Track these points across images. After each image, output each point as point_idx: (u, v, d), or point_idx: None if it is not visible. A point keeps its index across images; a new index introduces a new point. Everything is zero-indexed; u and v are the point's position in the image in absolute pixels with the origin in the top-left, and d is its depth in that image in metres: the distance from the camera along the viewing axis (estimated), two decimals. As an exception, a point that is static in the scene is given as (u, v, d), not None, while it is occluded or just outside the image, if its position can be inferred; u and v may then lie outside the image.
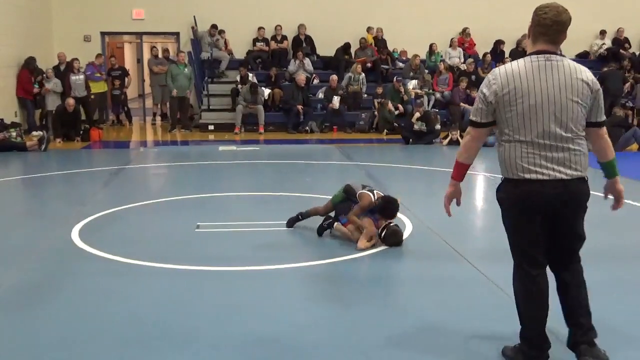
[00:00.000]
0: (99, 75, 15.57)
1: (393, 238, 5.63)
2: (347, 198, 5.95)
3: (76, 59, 15.01)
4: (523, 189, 3.22)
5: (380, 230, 5.65)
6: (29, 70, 14.36)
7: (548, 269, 3.39)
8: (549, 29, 3.17)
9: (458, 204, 3.59)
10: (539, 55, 3.19)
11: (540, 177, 3.16)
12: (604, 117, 3.31)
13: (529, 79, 3.15)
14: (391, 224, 5.70)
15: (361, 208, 5.73)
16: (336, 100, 14.84)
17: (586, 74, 3.20)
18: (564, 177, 3.17)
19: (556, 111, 3.14)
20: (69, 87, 14.67)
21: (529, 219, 3.25)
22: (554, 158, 3.16)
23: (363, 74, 15.80)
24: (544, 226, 3.28)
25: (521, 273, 3.35)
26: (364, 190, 5.85)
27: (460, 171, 3.50)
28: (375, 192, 5.86)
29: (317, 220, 6.15)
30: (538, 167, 3.17)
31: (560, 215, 3.26)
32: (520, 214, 3.27)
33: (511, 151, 3.24)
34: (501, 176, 3.40)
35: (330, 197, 6.18)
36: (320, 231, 5.99)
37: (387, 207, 5.69)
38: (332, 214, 6.09)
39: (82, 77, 14.91)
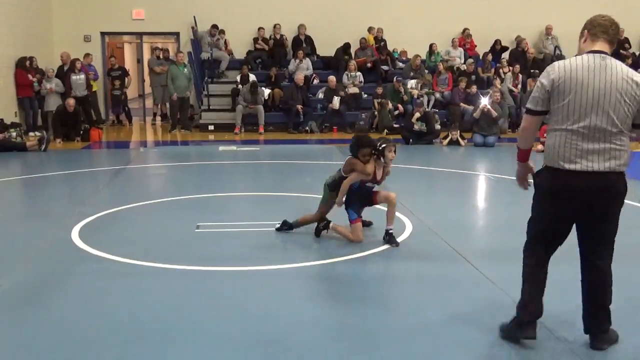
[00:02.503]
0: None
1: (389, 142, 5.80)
2: (334, 187, 5.86)
3: (78, 59, 15.08)
4: (560, 179, 3.42)
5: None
6: (23, 70, 14.35)
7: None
8: (609, 28, 3.47)
9: (533, 174, 3.73)
10: (595, 54, 3.42)
11: (578, 167, 3.36)
12: None
13: (584, 73, 3.36)
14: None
15: (355, 165, 5.74)
16: (336, 101, 14.83)
17: (637, 76, 3.40)
18: (601, 169, 3.36)
19: (605, 107, 3.33)
20: (69, 87, 14.68)
21: (559, 209, 3.47)
22: (595, 150, 3.35)
23: (360, 73, 15.80)
24: (573, 219, 3.50)
25: (531, 249, 3.63)
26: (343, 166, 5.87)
27: (524, 155, 3.68)
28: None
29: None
30: (579, 157, 3.36)
31: (593, 207, 3.43)
32: (551, 203, 3.48)
33: (556, 139, 3.42)
34: (543, 163, 3.57)
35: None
36: (317, 232, 6.00)
37: (360, 138, 5.84)
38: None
39: (82, 76, 14.93)
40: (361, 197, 5.87)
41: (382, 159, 5.75)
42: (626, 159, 3.41)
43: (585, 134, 3.35)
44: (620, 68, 3.39)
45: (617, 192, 3.44)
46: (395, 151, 5.84)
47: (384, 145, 5.75)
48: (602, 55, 3.42)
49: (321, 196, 6.07)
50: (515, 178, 3.78)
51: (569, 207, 3.45)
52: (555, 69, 3.43)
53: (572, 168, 3.37)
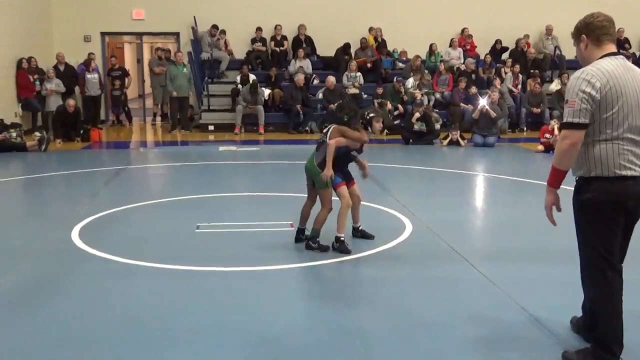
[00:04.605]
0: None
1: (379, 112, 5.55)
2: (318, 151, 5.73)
3: (92, 58, 15.24)
4: (619, 187, 3.19)
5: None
6: (24, 71, 14.36)
7: None
8: (609, 28, 3.25)
9: (558, 209, 3.39)
10: (617, 56, 3.24)
11: (634, 173, 3.18)
12: None
13: (620, 78, 3.16)
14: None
15: (346, 132, 5.52)
16: None
17: None
18: None
19: None
20: (82, 85, 14.80)
21: (617, 218, 3.24)
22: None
23: (360, 74, 15.80)
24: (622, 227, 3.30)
25: (599, 276, 3.29)
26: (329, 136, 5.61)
27: (559, 178, 3.29)
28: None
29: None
30: (632, 164, 3.19)
31: (636, 213, 3.30)
32: (610, 214, 3.23)
33: (608, 149, 3.18)
34: (583, 176, 3.28)
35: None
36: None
37: (348, 105, 5.56)
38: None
39: (96, 75, 14.99)
40: (345, 162, 5.73)
41: (369, 128, 5.61)
42: None
43: (634, 139, 3.19)
44: (635, 67, 3.27)
45: None
46: (383, 122, 5.69)
47: (372, 115, 5.60)
48: (620, 56, 3.25)
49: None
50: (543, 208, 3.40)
51: (623, 214, 3.24)
52: (596, 75, 3.14)
53: (628, 174, 3.17)
